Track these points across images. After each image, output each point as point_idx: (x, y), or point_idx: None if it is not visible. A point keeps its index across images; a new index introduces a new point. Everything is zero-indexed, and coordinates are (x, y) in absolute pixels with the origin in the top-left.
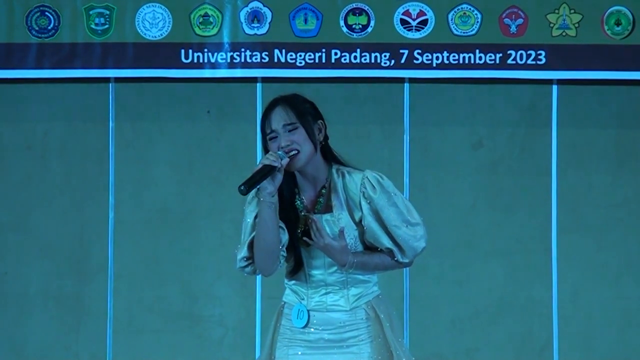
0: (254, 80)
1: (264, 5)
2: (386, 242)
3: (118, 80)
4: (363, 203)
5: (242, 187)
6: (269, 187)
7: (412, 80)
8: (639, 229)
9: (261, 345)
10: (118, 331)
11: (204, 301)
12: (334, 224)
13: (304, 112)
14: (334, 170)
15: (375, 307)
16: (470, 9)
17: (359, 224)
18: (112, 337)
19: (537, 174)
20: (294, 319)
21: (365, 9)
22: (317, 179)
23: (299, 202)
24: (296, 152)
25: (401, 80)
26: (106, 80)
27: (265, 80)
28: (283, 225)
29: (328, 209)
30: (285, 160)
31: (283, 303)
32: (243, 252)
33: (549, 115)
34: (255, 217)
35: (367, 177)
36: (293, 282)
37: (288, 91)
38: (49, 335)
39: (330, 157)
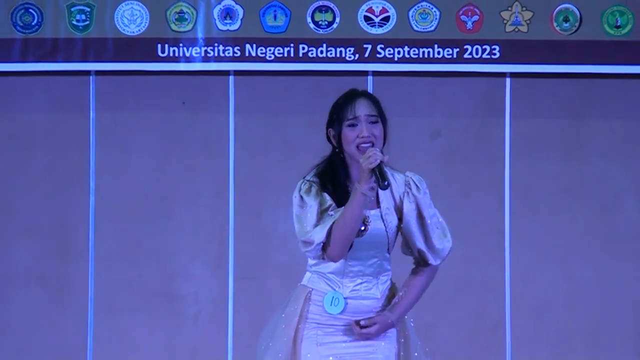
0: (226, 73)
1: (235, 3)
2: (419, 244)
3: (98, 73)
4: (406, 201)
5: (386, 183)
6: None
7: (375, 74)
8: (585, 213)
9: (273, 326)
10: (99, 309)
11: (180, 281)
12: (380, 220)
13: (382, 110)
14: None
15: (395, 293)
16: (429, 6)
17: (400, 219)
18: (93, 314)
19: (492, 161)
20: (328, 305)
21: (331, 6)
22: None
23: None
24: (371, 144)
25: (364, 73)
26: (87, 73)
27: (237, 73)
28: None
29: (374, 204)
30: (387, 156)
31: (310, 290)
32: (321, 237)
33: (503, 106)
34: (320, 204)
35: (411, 177)
36: (328, 270)
37: (258, 83)
38: (33, 312)
39: None
